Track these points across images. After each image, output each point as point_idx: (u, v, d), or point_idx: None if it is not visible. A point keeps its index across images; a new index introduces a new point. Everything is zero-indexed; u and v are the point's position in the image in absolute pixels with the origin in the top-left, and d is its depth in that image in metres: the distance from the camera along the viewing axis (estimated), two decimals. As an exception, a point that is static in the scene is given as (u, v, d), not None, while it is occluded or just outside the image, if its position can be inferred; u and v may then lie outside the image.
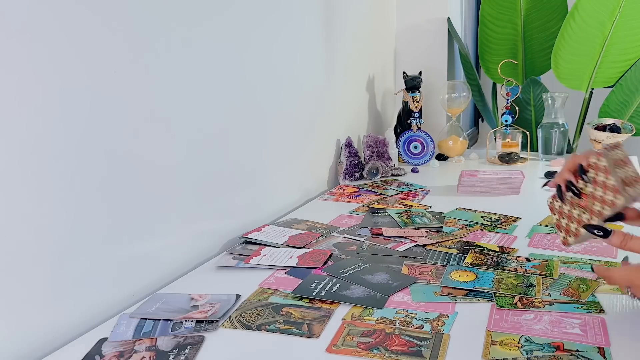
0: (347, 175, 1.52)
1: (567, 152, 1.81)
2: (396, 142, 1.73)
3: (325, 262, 0.89)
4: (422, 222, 1.10)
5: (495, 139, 1.81)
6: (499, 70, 1.83)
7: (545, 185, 0.79)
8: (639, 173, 0.68)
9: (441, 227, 1.07)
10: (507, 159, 1.73)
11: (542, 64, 2.27)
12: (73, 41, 0.68)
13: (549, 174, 1.52)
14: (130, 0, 0.77)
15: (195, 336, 0.67)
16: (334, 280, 0.82)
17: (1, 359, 0.61)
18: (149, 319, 0.72)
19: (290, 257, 0.92)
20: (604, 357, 0.60)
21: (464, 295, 0.76)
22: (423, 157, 1.75)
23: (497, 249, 0.94)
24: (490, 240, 0.99)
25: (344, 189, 1.43)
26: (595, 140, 1.74)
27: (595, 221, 0.67)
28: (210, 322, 0.71)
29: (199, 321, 0.71)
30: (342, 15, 1.56)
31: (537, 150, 2.00)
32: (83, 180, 0.71)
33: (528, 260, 0.88)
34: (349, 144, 1.54)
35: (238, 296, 0.78)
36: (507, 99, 1.76)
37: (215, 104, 0.98)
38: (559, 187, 0.72)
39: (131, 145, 0.79)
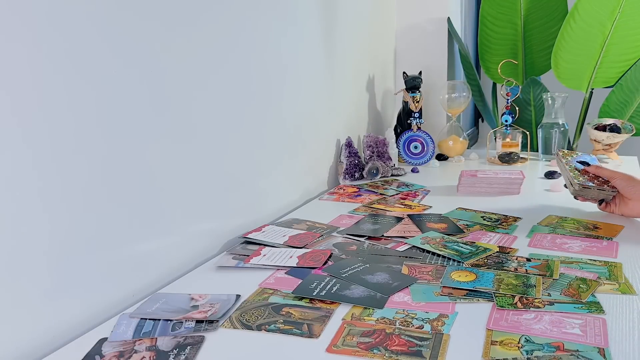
0: (347, 175, 1.52)
1: (567, 152, 1.81)
2: (396, 142, 1.73)
3: (325, 262, 0.89)
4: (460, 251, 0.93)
5: (495, 139, 1.81)
6: (499, 70, 1.83)
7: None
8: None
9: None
10: (507, 159, 1.73)
11: (542, 64, 2.27)
12: (73, 40, 0.68)
13: (549, 174, 1.52)
14: (132, 1, 0.77)
15: (195, 336, 0.67)
16: (334, 280, 0.82)
17: (1, 358, 0.61)
18: (149, 319, 0.72)
19: (290, 257, 0.92)
20: (604, 357, 0.60)
21: (464, 295, 0.76)
22: (423, 157, 1.75)
23: (497, 249, 0.94)
24: (490, 240, 0.99)
25: (344, 189, 1.43)
26: (595, 140, 1.74)
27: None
28: (210, 322, 0.71)
29: (199, 321, 0.71)
30: (342, 15, 1.56)
31: (537, 150, 2.00)
32: (83, 179, 0.71)
33: (528, 260, 0.88)
34: (349, 144, 1.54)
35: (238, 296, 0.78)
36: (507, 99, 1.76)
37: (215, 104, 0.98)
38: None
39: (131, 144, 0.79)
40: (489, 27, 2.29)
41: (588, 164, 1.14)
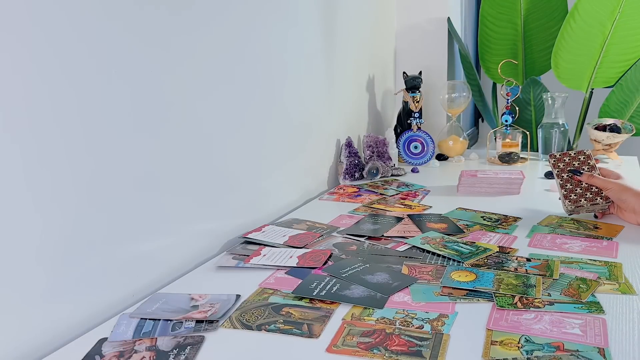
0: (347, 175, 1.52)
1: (567, 152, 1.81)
2: (396, 142, 1.73)
3: (325, 262, 0.89)
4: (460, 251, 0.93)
5: (495, 139, 1.81)
6: (499, 70, 1.83)
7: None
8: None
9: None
10: (507, 159, 1.73)
11: (542, 64, 2.27)
12: (76, 39, 0.68)
13: (549, 174, 1.52)
14: (133, 2, 0.77)
15: (195, 336, 0.67)
16: (334, 280, 0.82)
17: (1, 358, 0.61)
18: (149, 319, 0.72)
19: (290, 257, 0.92)
20: (604, 357, 0.60)
21: (464, 295, 0.76)
22: (423, 157, 1.75)
23: (497, 249, 0.94)
24: (490, 240, 0.99)
25: (344, 189, 1.43)
26: (595, 140, 1.74)
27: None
28: (210, 322, 0.71)
29: (199, 321, 0.71)
30: (343, 15, 1.56)
31: (537, 150, 2.00)
32: (83, 180, 0.71)
33: (528, 260, 0.88)
34: (349, 144, 1.54)
35: (238, 296, 0.78)
36: (507, 99, 1.76)
37: (215, 104, 0.98)
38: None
39: (131, 145, 0.79)
40: (489, 27, 2.29)
41: (580, 173, 1.11)
